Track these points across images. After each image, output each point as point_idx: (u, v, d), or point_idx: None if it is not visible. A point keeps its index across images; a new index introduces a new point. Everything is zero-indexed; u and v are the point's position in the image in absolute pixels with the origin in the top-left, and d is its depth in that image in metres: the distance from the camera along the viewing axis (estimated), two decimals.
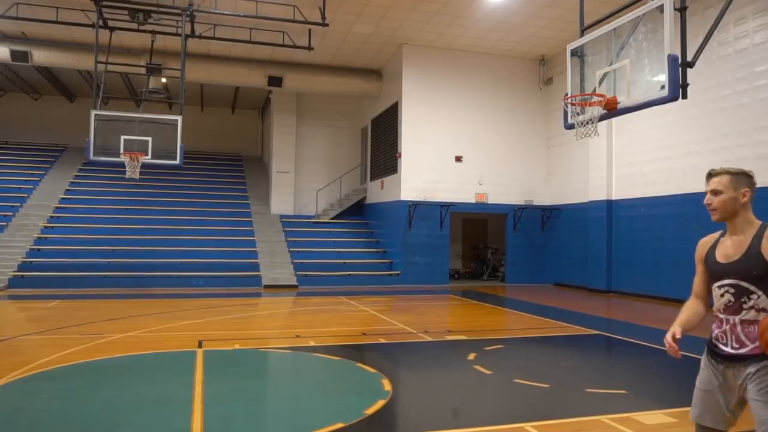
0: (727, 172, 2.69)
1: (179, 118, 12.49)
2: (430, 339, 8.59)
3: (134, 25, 14.12)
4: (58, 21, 14.13)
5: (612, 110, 6.75)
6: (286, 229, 19.93)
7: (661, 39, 6.11)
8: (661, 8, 6.15)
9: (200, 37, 14.12)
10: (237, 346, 7.85)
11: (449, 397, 5.67)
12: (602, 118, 6.97)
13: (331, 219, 20.92)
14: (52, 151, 23.87)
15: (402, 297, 14.79)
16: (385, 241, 19.13)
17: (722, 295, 2.68)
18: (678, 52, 6.02)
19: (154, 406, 5.11)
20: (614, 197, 15.88)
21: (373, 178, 20.72)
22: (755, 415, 2.54)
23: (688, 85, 6.06)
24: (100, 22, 13.31)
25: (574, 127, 7.22)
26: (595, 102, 6.90)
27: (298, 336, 8.69)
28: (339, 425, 4.50)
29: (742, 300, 2.61)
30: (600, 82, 7.01)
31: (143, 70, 16.63)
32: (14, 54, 17.12)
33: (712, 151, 12.70)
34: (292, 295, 15.02)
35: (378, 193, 19.93)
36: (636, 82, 6.52)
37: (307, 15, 14.40)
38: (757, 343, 2.53)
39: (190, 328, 9.32)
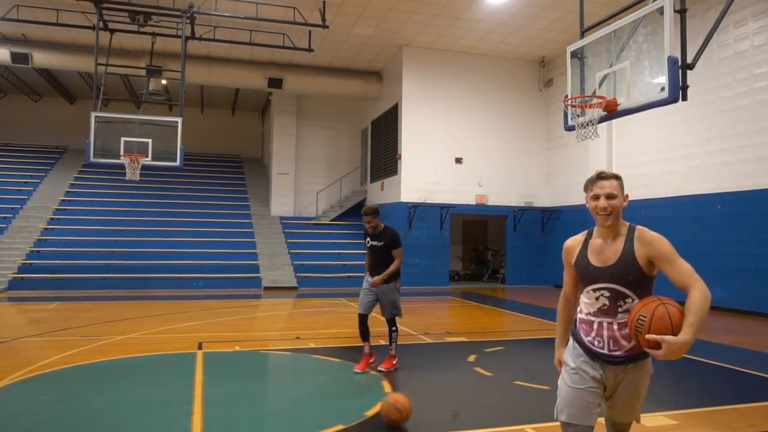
0: (616, 176, 2.66)
1: (179, 119, 12.50)
2: (431, 340, 8.59)
3: (134, 27, 14.12)
4: (59, 23, 14.13)
5: (612, 112, 6.75)
6: (286, 230, 19.93)
7: (661, 41, 6.12)
8: (661, 10, 6.16)
9: (200, 38, 14.12)
10: (237, 348, 7.85)
11: (449, 398, 5.66)
12: (602, 119, 6.97)
13: (331, 220, 20.93)
14: (52, 152, 23.89)
15: (402, 298, 14.69)
16: None
17: (597, 299, 2.66)
18: (678, 54, 6.03)
19: (155, 407, 5.10)
20: None
21: (373, 180, 20.72)
22: (619, 401, 2.67)
23: (688, 86, 6.07)
24: (101, 24, 13.32)
25: (574, 129, 7.22)
26: (595, 104, 6.90)
27: (298, 338, 8.69)
28: (339, 427, 4.50)
29: (618, 303, 2.60)
30: (600, 84, 7.02)
31: (143, 72, 16.63)
32: (15, 56, 17.15)
33: (713, 153, 12.70)
34: (292, 296, 15.00)
35: (378, 194, 19.93)
36: (636, 83, 6.52)
37: (307, 17, 14.41)
38: (633, 342, 2.52)
39: (190, 329, 9.31)
